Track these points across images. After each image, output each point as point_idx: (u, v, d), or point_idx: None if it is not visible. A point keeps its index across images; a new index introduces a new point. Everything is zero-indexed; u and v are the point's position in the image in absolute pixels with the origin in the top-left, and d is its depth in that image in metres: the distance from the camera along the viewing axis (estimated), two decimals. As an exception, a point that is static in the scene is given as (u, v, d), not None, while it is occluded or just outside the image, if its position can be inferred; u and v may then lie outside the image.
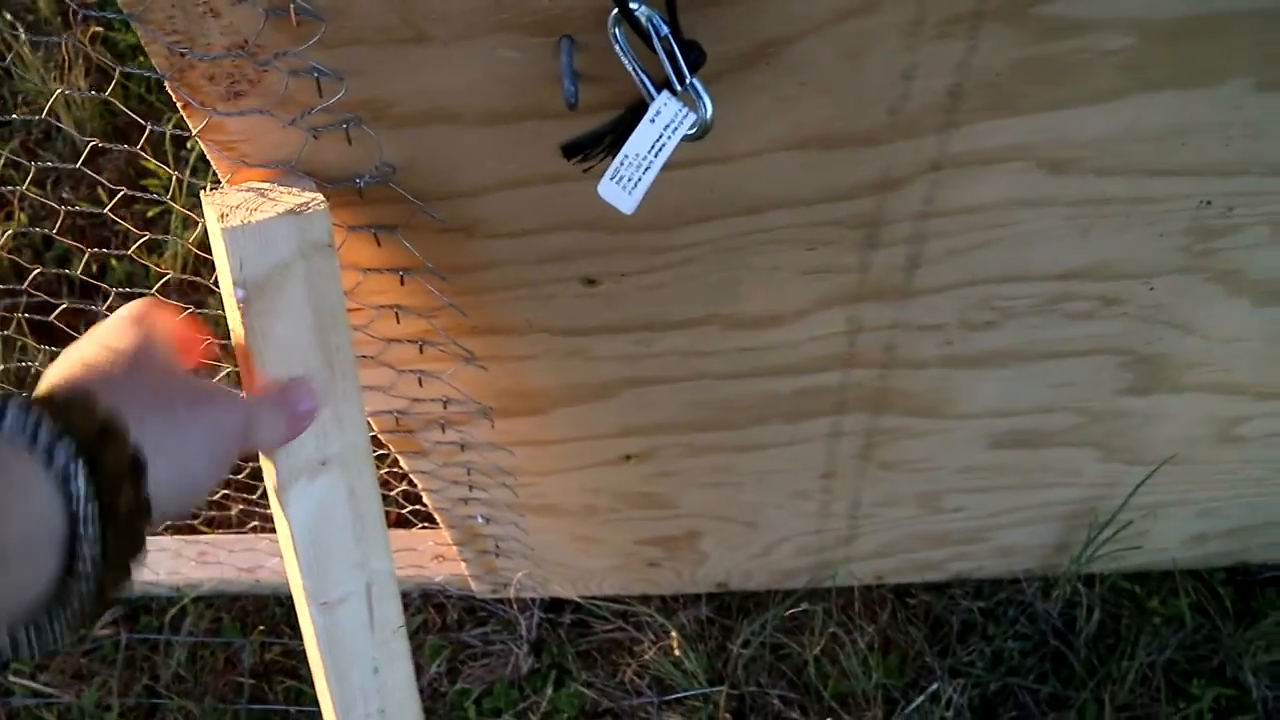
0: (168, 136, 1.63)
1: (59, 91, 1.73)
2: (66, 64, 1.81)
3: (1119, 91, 0.68)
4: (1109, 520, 1.21)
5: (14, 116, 1.76)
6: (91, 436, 0.50)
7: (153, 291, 0.79)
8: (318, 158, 0.69)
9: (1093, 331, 0.89)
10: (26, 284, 1.31)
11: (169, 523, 1.33)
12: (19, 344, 1.52)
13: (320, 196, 0.67)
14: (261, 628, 1.40)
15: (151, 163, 1.54)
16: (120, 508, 0.50)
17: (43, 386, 0.55)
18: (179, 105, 0.66)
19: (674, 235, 0.76)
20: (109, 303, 0.82)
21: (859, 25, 0.62)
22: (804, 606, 1.36)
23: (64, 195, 1.68)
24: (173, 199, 1.52)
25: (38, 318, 1.22)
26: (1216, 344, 0.94)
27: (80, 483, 0.48)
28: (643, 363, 0.90)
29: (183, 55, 0.62)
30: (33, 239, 1.72)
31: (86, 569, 0.49)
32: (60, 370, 0.58)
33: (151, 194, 1.37)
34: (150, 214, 1.59)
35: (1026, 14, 0.62)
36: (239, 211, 0.66)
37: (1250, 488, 1.20)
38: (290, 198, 0.67)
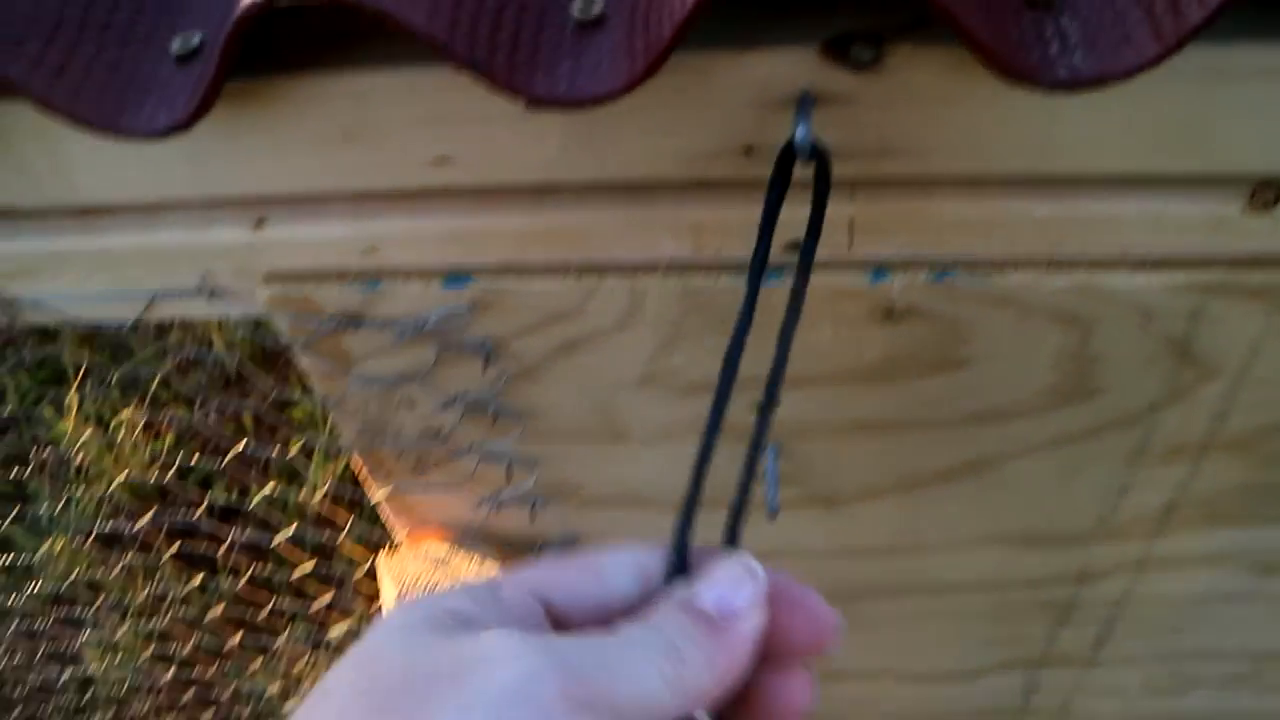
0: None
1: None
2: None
3: (1341, 508, 0.64)
4: None
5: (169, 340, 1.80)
6: None
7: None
8: (498, 525, 0.68)
9: (1283, 701, 0.84)
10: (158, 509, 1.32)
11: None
12: (158, 572, 1.52)
13: (499, 574, 0.65)
14: None
15: (296, 391, 1.56)
16: None
17: None
18: (362, 474, 0.66)
19: (857, 607, 0.74)
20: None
21: (1081, 449, 0.59)
22: None
23: (210, 417, 1.71)
24: (315, 429, 1.53)
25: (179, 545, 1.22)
26: None
27: None
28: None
29: (373, 439, 0.62)
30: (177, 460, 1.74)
31: None
32: None
33: (295, 423, 1.38)
34: (293, 444, 1.60)
35: (1255, 448, 0.59)
36: (417, 587, 0.65)
37: None
38: (468, 570, 0.66)
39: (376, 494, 0.67)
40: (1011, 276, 0.49)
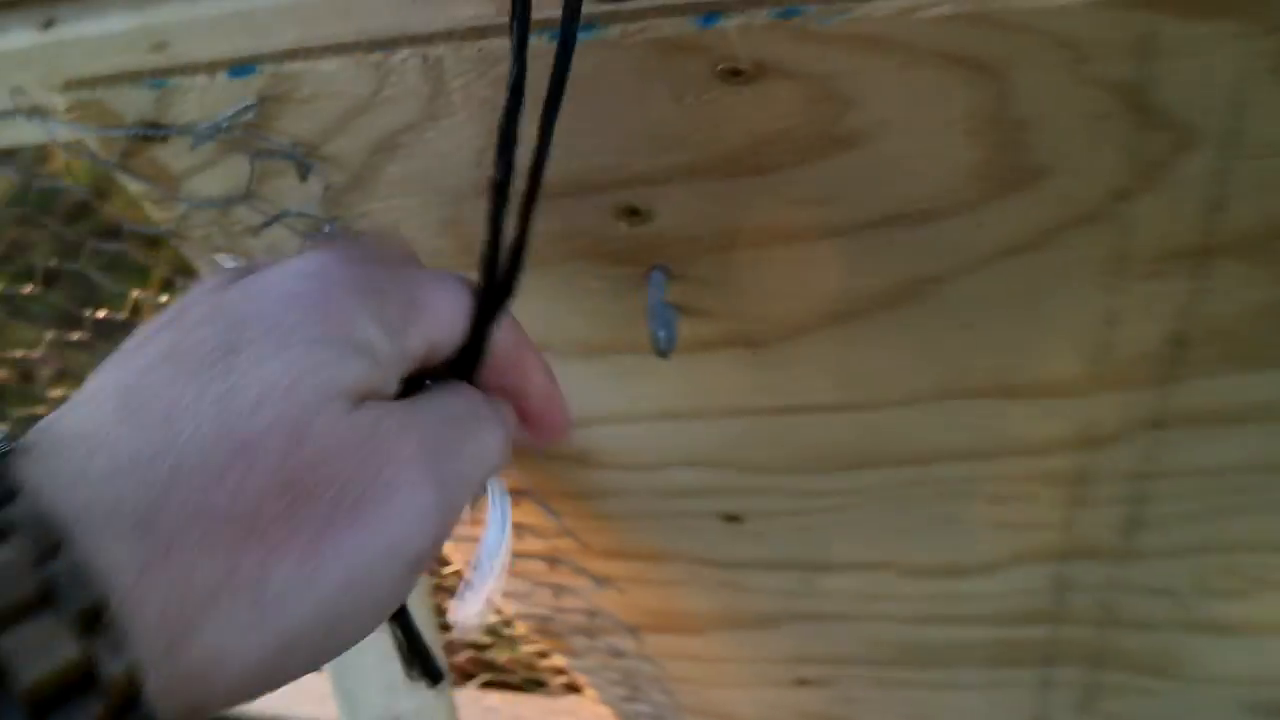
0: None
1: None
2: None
3: None
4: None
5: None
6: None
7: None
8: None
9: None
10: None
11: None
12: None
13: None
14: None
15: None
16: None
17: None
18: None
19: (825, 480, 0.62)
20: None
21: (1040, 260, 0.46)
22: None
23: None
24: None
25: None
26: None
27: None
28: (808, 600, 0.76)
29: (224, 273, 0.54)
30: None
31: None
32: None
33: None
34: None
35: (1273, 249, 0.45)
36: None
37: None
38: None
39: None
40: (878, 5, 0.37)
